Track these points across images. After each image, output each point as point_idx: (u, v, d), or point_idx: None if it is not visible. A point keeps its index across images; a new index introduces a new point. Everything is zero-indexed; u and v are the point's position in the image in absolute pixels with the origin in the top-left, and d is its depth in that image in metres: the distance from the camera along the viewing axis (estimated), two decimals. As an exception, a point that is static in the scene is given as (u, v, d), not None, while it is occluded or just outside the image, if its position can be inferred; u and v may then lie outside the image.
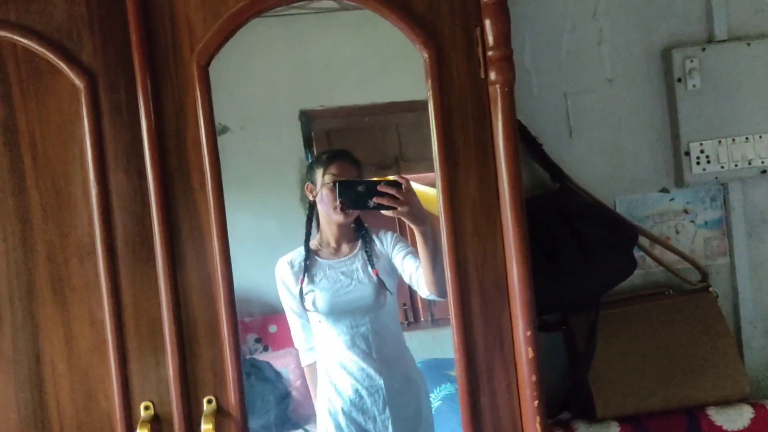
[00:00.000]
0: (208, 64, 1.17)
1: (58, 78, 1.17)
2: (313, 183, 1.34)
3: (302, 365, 1.37)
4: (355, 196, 1.27)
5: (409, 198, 1.26)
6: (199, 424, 1.15)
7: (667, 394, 1.54)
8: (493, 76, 1.18)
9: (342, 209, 1.30)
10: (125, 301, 1.17)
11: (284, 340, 1.40)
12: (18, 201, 1.17)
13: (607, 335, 1.57)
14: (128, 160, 1.17)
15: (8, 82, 1.16)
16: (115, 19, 1.16)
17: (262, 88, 1.37)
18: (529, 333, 1.17)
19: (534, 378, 1.18)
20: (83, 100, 1.16)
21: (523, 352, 1.18)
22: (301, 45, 1.36)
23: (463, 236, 1.19)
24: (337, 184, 1.29)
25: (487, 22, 1.17)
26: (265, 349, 1.39)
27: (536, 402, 1.17)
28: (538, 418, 1.17)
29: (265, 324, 1.39)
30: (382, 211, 1.27)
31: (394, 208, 1.26)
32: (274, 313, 1.37)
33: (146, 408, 1.17)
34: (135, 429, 1.15)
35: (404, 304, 1.43)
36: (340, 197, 1.28)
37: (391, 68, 1.31)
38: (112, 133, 1.17)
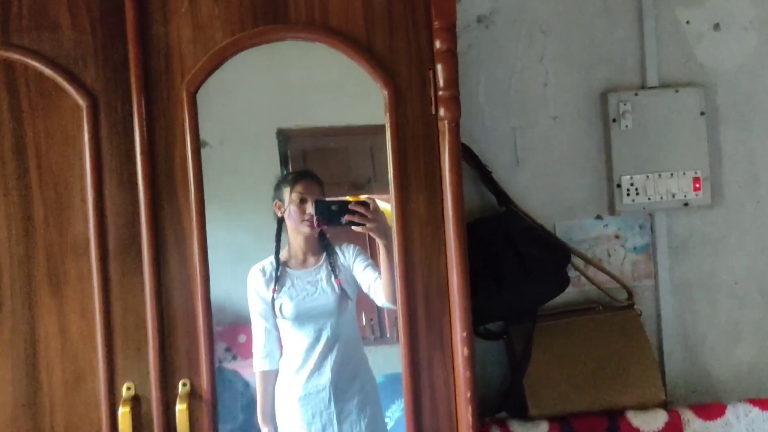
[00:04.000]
0: (197, 91, 1.30)
1: (63, 97, 1.29)
2: (281, 200, 1.43)
3: (255, 370, 1.42)
4: (330, 214, 1.37)
5: (376, 216, 1.36)
6: (175, 405, 1.27)
7: (592, 397, 1.68)
8: (442, 112, 1.31)
9: (318, 224, 1.39)
10: (114, 294, 1.28)
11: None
12: (23, 201, 1.29)
13: (543, 344, 1.71)
14: (122, 171, 1.29)
15: (19, 99, 1.28)
16: (117, 48, 1.28)
17: (242, 107, 1.39)
18: (465, 334, 1.30)
19: (468, 374, 1.30)
20: (84, 118, 1.27)
21: (460, 351, 1.30)
22: (281, 67, 1.39)
23: (412, 248, 1.32)
24: (314, 203, 1.38)
25: (439, 66, 1.31)
26: (234, 358, 1.42)
27: (469, 394, 1.29)
28: (470, 409, 1.29)
29: (234, 334, 1.42)
30: (353, 227, 1.37)
31: (363, 225, 1.36)
32: (244, 324, 1.40)
33: (128, 388, 1.28)
34: (118, 407, 1.26)
35: (371, 320, 1.46)
36: (316, 214, 1.37)
37: (367, 93, 1.34)
38: (108, 148, 1.29)
